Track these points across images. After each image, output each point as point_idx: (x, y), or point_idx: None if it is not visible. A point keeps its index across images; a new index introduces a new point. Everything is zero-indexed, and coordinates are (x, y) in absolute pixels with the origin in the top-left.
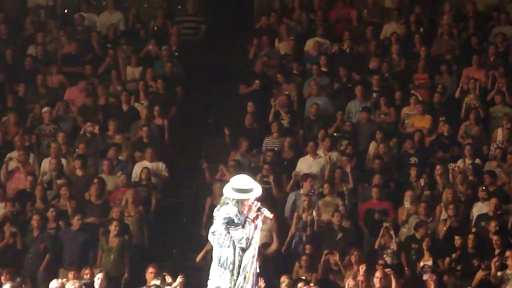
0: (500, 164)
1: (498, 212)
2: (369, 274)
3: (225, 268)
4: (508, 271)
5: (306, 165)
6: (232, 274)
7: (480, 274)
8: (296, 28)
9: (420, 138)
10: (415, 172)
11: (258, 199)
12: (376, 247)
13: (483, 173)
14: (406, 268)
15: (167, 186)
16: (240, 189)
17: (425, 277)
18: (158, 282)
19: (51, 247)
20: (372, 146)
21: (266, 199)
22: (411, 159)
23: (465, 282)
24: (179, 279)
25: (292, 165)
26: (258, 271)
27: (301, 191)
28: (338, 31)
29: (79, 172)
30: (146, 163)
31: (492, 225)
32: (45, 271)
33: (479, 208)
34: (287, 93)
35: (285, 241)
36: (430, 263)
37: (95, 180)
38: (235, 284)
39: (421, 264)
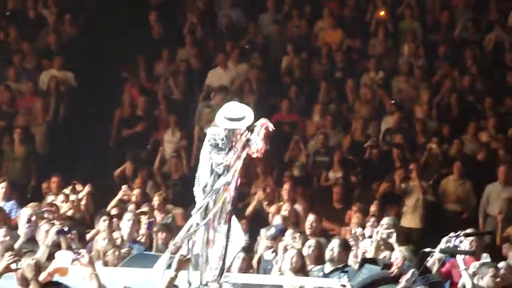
0: (408, 79)
1: (403, 126)
2: (278, 185)
3: (203, 192)
4: (411, 183)
5: (216, 77)
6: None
7: (384, 186)
8: None
9: (330, 52)
10: (325, 86)
11: (250, 129)
12: (285, 159)
13: (391, 87)
14: (313, 180)
15: (75, 95)
16: (232, 118)
17: (331, 188)
18: (67, 191)
19: None
20: (284, 60)
21: (176, 111)
22: (322, 72)
23: (370, 193)
24: (87, 188)
25: (203, 77)
26: (231, 207)
27: (210, 103)
28: None
29: None
30: (54, 72)
31: (397, 138)
32: None
33: (386, 122)
34: (200, 5)
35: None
36: (339, 175)
37: (1, 88)
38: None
39: (329, 176)
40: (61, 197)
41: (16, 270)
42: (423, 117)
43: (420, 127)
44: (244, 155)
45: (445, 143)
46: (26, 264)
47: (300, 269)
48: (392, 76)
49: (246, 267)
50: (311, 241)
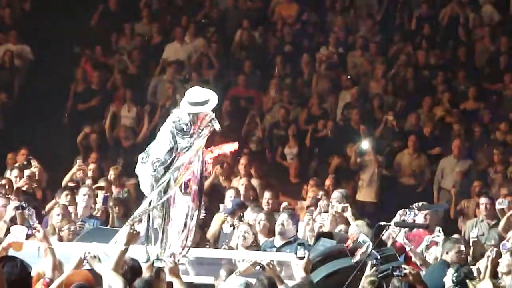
0: (364, 53)
1: (360, 101)
2: (235, 160)
3: (152, 165)
4: (366, 157)
5: (173, 51)
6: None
7: (336, 161)
8: None
9: (285, 26)
10: (280, 60)
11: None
12: (242, 134)
13: (347, 62)
14: (268, 155)
15: (31, 69)
16: (196, 103)
17: (287, 163)
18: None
19: None
20: (239, 34)
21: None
22: (277, 47)
23: (325, 167)
24: (34, 164)
25: (160, 51)
26: (195, 186)
27: (165, 77)
28: None
29: None
30: (10, 46)
31: (354, 113)
32: None
33: (343, 97)
34: None
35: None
36: (294, 150)
37: None
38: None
39: (285, 151)
40: (15, 172)
41: None
42: (379, 92)
43: (377, 102)
44: (206, 133)
45: (400, 117)
46: None
47: (252, 244)
48: (348, 51)
49: (201, 241)
50: (261, 215)
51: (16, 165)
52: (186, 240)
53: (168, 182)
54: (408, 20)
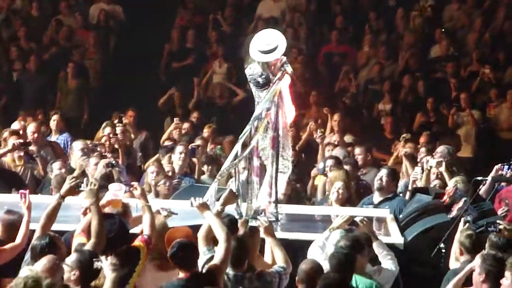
0: (462, 6)
1: (451, 54)
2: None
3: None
4: (462, 114)
5: (266, 8)
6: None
7: (419, 118)
8: None
9: None
10: (375, 16)
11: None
12: (335, 90)
13: (442, 15)
14: (364, 111)
15: (124, 29)
16: (264, 51)
17: (383, 120)
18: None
19: (8, 89)
20: None
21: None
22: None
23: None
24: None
25: (253, 8)
26: (273, 133)
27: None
28: None
29: (34, 13)
30: (103, 5)
31: (448, 67)
32: (3, 114)
33: (435, 51)
34: None
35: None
36: (388, 107)
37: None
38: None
39: (380, 107)
40: (107, 130)
41: (78, 193)
42: (476, 44)
43: (475, 54)
44: (282, 78)
45: (499, 70)
46: (88, 188)
47: (347, 200)
48: (445, 5)
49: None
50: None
51: (108, 122)
52: (271, 189)
53: (250, 133)
54: None
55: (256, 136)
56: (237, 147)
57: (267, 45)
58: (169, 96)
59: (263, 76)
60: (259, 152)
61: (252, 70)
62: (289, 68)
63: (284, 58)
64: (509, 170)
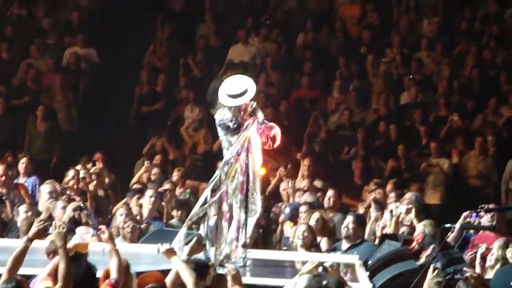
0: (429, 53)
1: (419, 101)
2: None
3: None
4: (432, 160)
5: (237, 53)
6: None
7: (391, 163)
8: None
9: (347, 28)
10: (344, 62)
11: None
12: (305, 134)
13: (411, 62)
14: (332, 156)
15: (97, 72)
16: (234, 95)
17: (353, 166)
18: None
19: None
20: (303, 35)
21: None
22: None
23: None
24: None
25: (224, 53)
26: (242, 178)
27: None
28: None
29: (4, 55)
30: (77, 49)
31: (417, 114)
32: None
33: (405, 98)
34: None
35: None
36: (361, 152)
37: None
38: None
39: (351, 153)
40: (71, 173)
41: (46, 236)
42: (445, 91)
43: (443, 101)
44: (252, 124)
45: (466, 118)
46: (56, 232)
47: (311, 244)
48: (414, 52)
49: (265, 243)
50: (316, 214)
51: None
52: (239, 233)
53: (220, 178)
54: (472, 20)
55: (226, 182)
56: (207, 191)
57: (236, 89)
58: (151, 145)
59: (233, 121)
60: (228, 197)
61: (222, 116)
62: (260, 114)
63: (255, 104)
64: (477, 218)
